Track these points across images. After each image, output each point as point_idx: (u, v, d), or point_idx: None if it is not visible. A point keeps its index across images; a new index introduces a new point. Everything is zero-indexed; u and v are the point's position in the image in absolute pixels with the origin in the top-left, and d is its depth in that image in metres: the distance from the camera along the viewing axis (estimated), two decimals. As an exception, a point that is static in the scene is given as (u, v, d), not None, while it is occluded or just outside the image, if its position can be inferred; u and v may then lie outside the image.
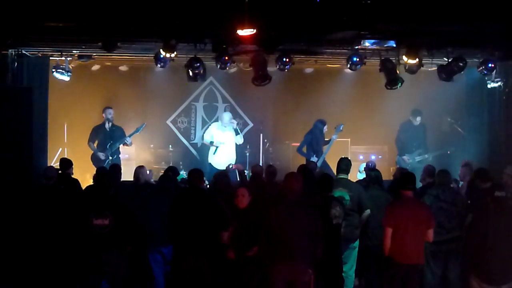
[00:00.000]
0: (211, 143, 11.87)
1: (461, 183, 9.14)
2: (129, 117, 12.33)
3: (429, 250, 7.50)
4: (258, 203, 6.93)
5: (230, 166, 11.05)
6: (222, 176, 8.23)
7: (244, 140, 12.32)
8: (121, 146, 11.48)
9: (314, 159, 11.18)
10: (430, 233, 6.64)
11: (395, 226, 6.51)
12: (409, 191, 6.69)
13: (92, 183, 8.88)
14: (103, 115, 11.42)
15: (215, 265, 6.91)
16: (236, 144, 12.05)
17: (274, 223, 6.21)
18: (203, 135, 12.48)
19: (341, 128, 11.44)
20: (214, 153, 11.93)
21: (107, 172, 8.92)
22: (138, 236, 7.31)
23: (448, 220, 7.48)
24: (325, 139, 11.60)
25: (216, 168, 11.32)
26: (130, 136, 11.45)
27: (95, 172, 9.13)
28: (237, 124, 12.26)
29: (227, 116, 12.02)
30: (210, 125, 12.61)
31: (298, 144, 11.82)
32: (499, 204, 6.12)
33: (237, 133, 11.94)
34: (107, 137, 11.33)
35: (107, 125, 11.36)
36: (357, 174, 10.43)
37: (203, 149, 13.06)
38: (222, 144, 11.85)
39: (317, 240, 6.27)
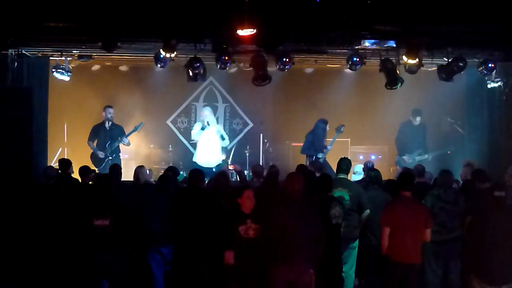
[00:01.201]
0: (203, 128, 11.35)
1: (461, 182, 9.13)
2: (129, 117, 12.33)
3: (431, 250, 7.52)
4: (262, 207, 6.67)
5: (228, 167, 10.96)
6: (221, 176, 8.23)
7: (244, 140, 12.28)
8: (120, 145, 11.46)
9: (320, 155, 11.16)
10: (427, 233, 6.67)
11: (393, 225, 6.56)
12: (407, 191, 6.74)
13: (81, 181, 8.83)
14: (104, 113, 11.40)
15: (215, 265, 6.90)
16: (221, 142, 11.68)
17: (275, 223, 6.20)
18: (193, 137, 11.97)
19: (341, 130, 11.44)
20: (196, 151, 11.60)
21: (91, 171, 8.90)
22: (138, 236, 7.31)
23: (450, 220, 7.48)
24: (326, 139, 11.59)
25: (201, 166, 10.89)
26: (128, 135, 11.41)
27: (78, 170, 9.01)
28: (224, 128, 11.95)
29: (207, 110, 11.65)
30: (194, 125, 12.17)
31: (298, 144, 11.82)
32: (499, 204, 6.12)
33: (223, 139, 11.64)
34: (106, 136, 11.32)
35: (107, 124, 11.35)
36: (351, 176, 10.38)
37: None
38: (206, 141, 11.43)
39: (319, 240, 6.27)
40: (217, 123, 11.83)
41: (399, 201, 6.79)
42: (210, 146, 11.50)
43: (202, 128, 11.42)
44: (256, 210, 6.54)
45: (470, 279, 6.12)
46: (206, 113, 11.56)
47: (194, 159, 11.60)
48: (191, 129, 12.06)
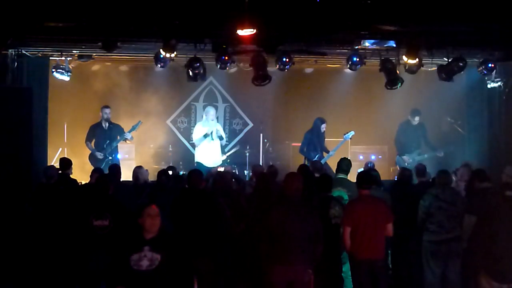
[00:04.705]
0: (205, 136, 11.19)
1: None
2: (129, 117, 12.30)
3: (429, 250, 7.54)
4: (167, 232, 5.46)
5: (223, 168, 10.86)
6: (222, 176, 8.22)
7: (244, 140, 12.16)
8: (118, 145, 11.41)
9: (317, 157, 11.12)
10: (389, 228, 6.82)
11: (354, 224, 6.69)
12: (366, 190, 6.90)
13: (88, 181, 8.85)
14: (100, 114, 11.32)
15: (215, 265, 6.90)
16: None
17: (274, 223, 6.19)
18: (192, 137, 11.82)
19: (350, 136, 11.42)
20: (197, 151, 11.51)
21: (103, 172, 8.90)
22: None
23: (448, 220, 7.48)
24: (325, 139, 11.57)
25: (206, 166, 10.95)
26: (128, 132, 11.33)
27: (91, 171, 9.07)
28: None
29: (212, 110, 11.60)
30: (194, 126, 12.12)
31: (298, 144, 11.78)
32: (510, 203, 6.15)
33: (221, 138, 11.45)
34: (104, 136, 11.23)
35: (104, 124, 11.29)
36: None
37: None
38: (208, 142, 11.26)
39: (318, 240, 6.27)
40: (217, 122, 11.68)
41: (359, 199, 6.96)
42: (212, 146, 11.39)
43: (205, 136, 11.19)
44: (162, 234, 5.27)
45: (479, 277, 6.12)
46: (212, 113, 11.40)
47: (197, 160, 11.48)
48: (191, 130, 11.97)
